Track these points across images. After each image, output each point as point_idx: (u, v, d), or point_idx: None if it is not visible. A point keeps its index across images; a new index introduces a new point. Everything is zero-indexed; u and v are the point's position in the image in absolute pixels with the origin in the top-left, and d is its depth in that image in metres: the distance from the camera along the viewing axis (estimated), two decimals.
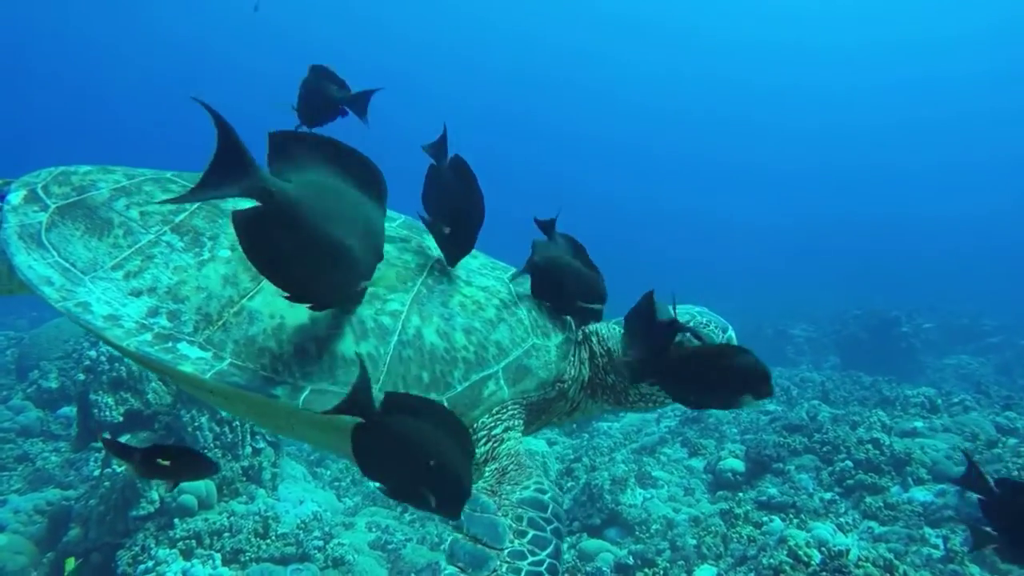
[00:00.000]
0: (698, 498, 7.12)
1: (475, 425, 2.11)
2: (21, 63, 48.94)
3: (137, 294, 2.05)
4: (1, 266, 2.26)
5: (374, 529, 6.55)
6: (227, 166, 1.50)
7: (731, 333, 2.38)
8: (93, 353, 6.24)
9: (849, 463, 6.93)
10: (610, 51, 57.95)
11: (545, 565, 1.89)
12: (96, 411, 5.98)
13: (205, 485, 5.62)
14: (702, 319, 2.38)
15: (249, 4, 19.97)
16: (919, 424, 8.30)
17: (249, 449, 6.37)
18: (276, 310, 2.02)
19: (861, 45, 53.67)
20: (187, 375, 1.93)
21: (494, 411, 2.14)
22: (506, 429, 2.17)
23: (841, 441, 7.25)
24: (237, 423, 6.24)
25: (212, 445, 6.07)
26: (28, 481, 6.99)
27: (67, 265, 2.09)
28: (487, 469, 2.14)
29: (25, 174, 2.37)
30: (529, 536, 1.94)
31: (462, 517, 1.91)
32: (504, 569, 1.84)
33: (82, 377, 6.13)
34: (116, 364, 6.11)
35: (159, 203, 1.99)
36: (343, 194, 1.73)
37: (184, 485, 5.50)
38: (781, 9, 53.29)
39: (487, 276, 2.39)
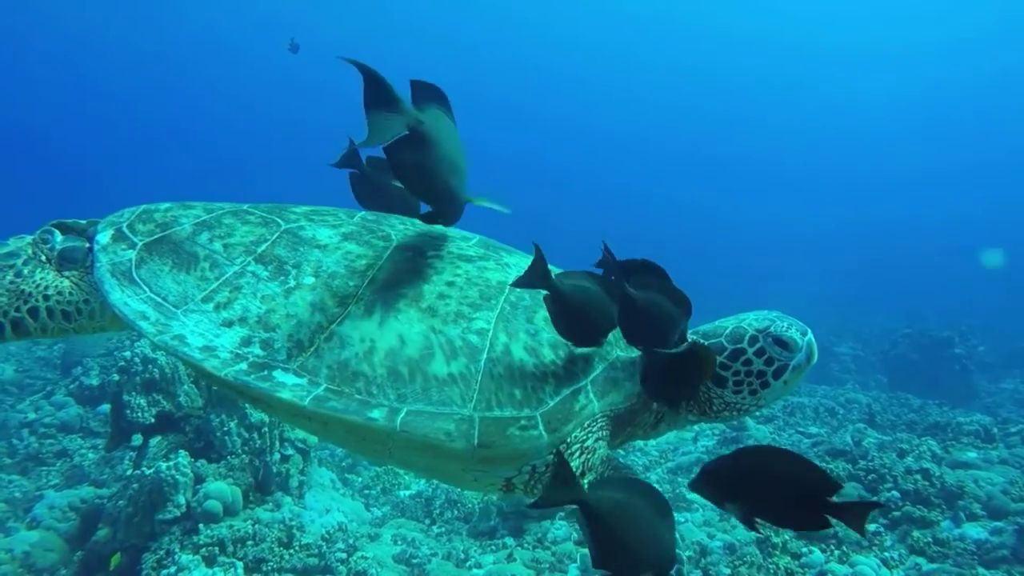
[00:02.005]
0: (734, 524, 6.86)
1: (568, 439, 2.10)
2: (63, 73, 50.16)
3: (229, 324, 2.12)
4: (93, 303, 2.39)
5: (400, 542, 6.46)
6: (384, 112, 1.91)
7: (810, 336, 2.27)
8: (128, 354, 6.30)
9: (896, 493, 6.59)
10: (625, 47, 56.89)
11: None
12: (128, 412, 6.02)
13: (231, 491, 5.60)
14: (781, 323, 2.27)
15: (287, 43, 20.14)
16: (973, 455, 7.88)
17: (278, 456, 6.35)
18: (365, 334, 2.08)
19: (902, 45, 51.99)
20: (286, 402, 1.97)
21: (586, 424, 2.13)
22: (596, 440, 2.17)
23: (888, 470, 6.90)
24: (266, 428, 6.23)
25: (240, 450, 6.07)
26: (65, 477, 7.11)
27: (159, 300, 2.17)
28: (584, 482, 2.13)
29: (109, 213, 2.50)
30: None
31: (579, 526, 1.97)
32: None
33: (116, 377, 6.19)
34: (149, 366, 6.15)
35: (363, 144, 1.99)
36: (446, 122, 2.12)
37: (210, 490, 5.50)
38: (801, 7, 52.06)
39: None
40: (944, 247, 48.30)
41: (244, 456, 6.02)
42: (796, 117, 58.25)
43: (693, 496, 7.53)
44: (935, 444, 7.91)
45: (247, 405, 2.38)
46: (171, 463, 5.46)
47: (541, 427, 2.03)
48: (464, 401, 2.01)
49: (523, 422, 2.03)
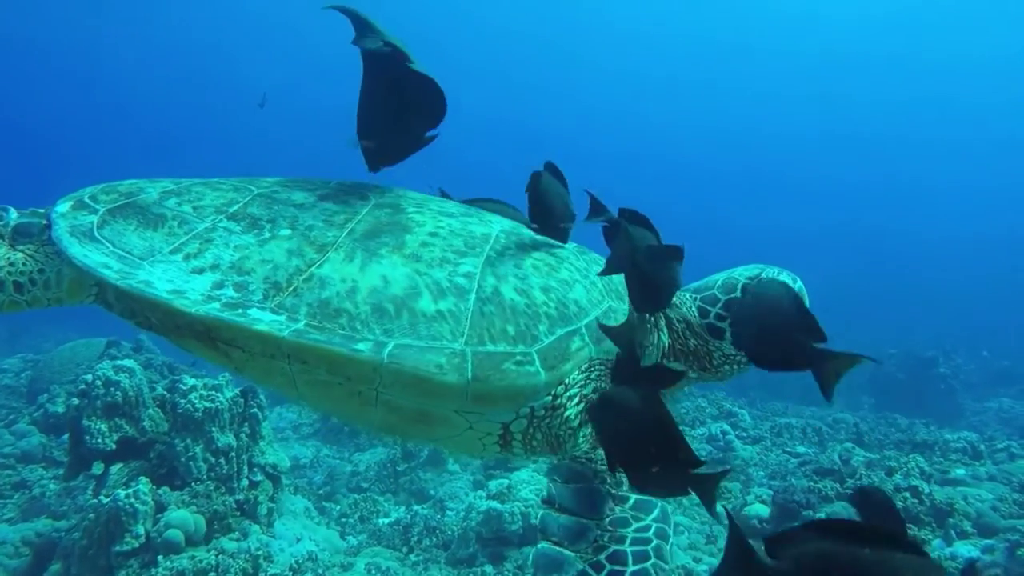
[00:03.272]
0: (721, 547, 6.65)
1: (567, 381, 2.05)
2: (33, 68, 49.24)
3: (199, 271, 2.03)
4: (48, 273, 2.30)
5: (373, 571, 6.17)
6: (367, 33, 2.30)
7: (800, 283, 2.30)
8: (89, 376, 6.03)
9: None
10: (620, 58, 56.38)
11: (652, 530, 1.79)
12: (88, 438, 5.74)
13: (194, 520, 5.33)
14: (771, 270, 2.31)
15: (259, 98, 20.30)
16: (961, 472, 7.76)
17: (246, 482, 6.08)
18: (347, 275, 2.00)
19: (890, 54, 52.30)
20: (263, 335, 1.88)
21: (583, 367, 2.07)
22: (595, 390, 2.09)
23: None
24: (233, 454, 5.97)
25: (206, 476, 5.80)
26: (22, 510, 6.76)
27: (123, 253, 2.08)
28: (581, 433, 2.07)
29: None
30: (631, 501, 1.84)
31: (553, 489, 1.89)
32: (606, 538, 1.77)
33: (76, 402, 5.92)
34: (111, 389, 5.89)
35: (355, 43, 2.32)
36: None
37: (171, 519, 5.23)
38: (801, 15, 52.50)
39: (554, 242, 2.39)
40: (933, 263, 48.66)
41: (210, 482, 5.74)
42: (788, 125, 58.51)
43: (679, 519, 7.32)
44: (923, 461, 7.77)
45: (216, 363, 2.18)
46: (130, 491, 5.18)
47: (537, 363, 1.96)
48: (455, 336, 1.94)
49: (518, 357, 1.96)
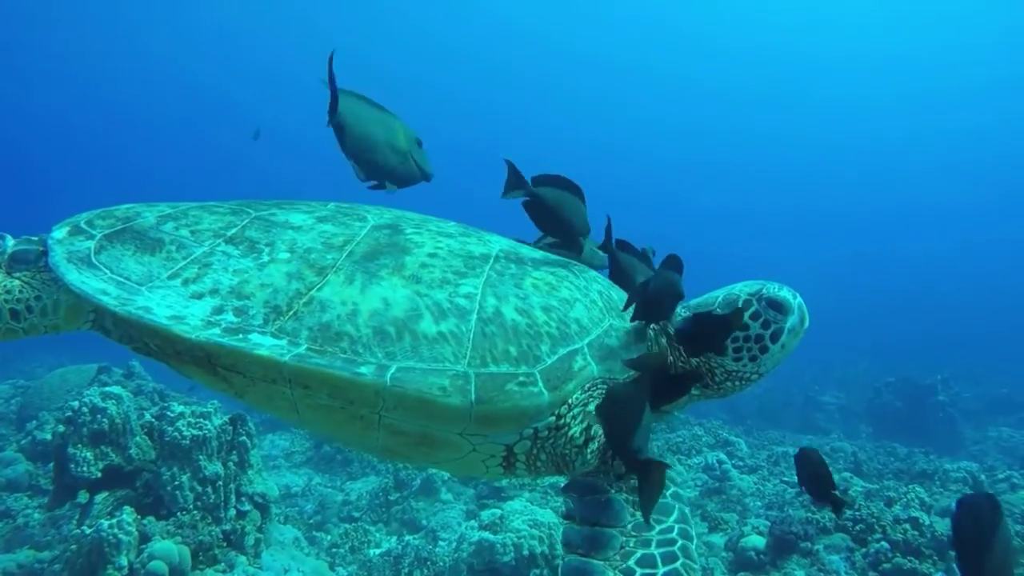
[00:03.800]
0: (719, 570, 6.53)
1: (570, 401, 2.05)
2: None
3: (198, 296, 2.03)
4: (45, 300, 2.29)
5: None
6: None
7: (800, 299, 2.31)
8: (75, 403, 5.95)
9: (885, 544, 6.30)
10: (625, 56, 56.85)
11: (676, 531, 1.81)
12: (73, 466, 5.64)
13: (179, 550, 5.21)
14: (771, 286, 2.31)
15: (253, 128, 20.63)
16: None
17: (233, 511, 5.96)
18: (347, 298, 2.00)
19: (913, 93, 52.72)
20: (264, 359, 1.87)
21: (586, 387, 2.08)
22: (596, 408, 2.07)
23: (876, 519, 6.63)
24: (220, 483, 5.86)
25: (192, 506, 5.69)
26: (5, 540, 6.62)
27: (121, 279, 2.08)
28: (589, 450, 2.08)
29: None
30: None
31: (572, 504, 1.91)
32: (632, 543, 1.79)
33: (61, 429, 5.82)
34: (98, 416, 5.80)
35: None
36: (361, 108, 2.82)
37: (155, 550, 5.11)
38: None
39: (553, 261, 2.42)
40: (925, 285, 48.62)
41: (196, 512, 5.63)
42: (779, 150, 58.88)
43: None
44: (923, 492, 7.67)
45: (216, 389, 2.20)
46: (113, 521, 5.07)
47: (541, 384, 1.96)
48: (457, 358, 1.94)
49: (521, 378, 1.95)
